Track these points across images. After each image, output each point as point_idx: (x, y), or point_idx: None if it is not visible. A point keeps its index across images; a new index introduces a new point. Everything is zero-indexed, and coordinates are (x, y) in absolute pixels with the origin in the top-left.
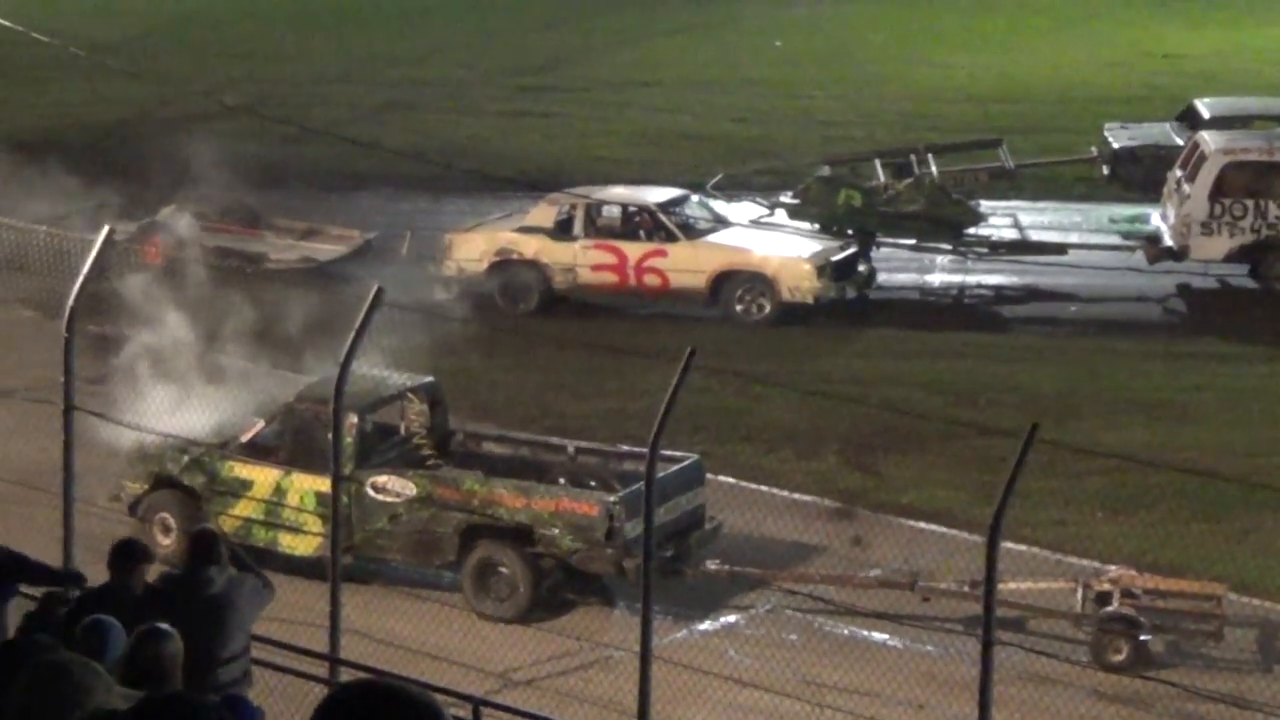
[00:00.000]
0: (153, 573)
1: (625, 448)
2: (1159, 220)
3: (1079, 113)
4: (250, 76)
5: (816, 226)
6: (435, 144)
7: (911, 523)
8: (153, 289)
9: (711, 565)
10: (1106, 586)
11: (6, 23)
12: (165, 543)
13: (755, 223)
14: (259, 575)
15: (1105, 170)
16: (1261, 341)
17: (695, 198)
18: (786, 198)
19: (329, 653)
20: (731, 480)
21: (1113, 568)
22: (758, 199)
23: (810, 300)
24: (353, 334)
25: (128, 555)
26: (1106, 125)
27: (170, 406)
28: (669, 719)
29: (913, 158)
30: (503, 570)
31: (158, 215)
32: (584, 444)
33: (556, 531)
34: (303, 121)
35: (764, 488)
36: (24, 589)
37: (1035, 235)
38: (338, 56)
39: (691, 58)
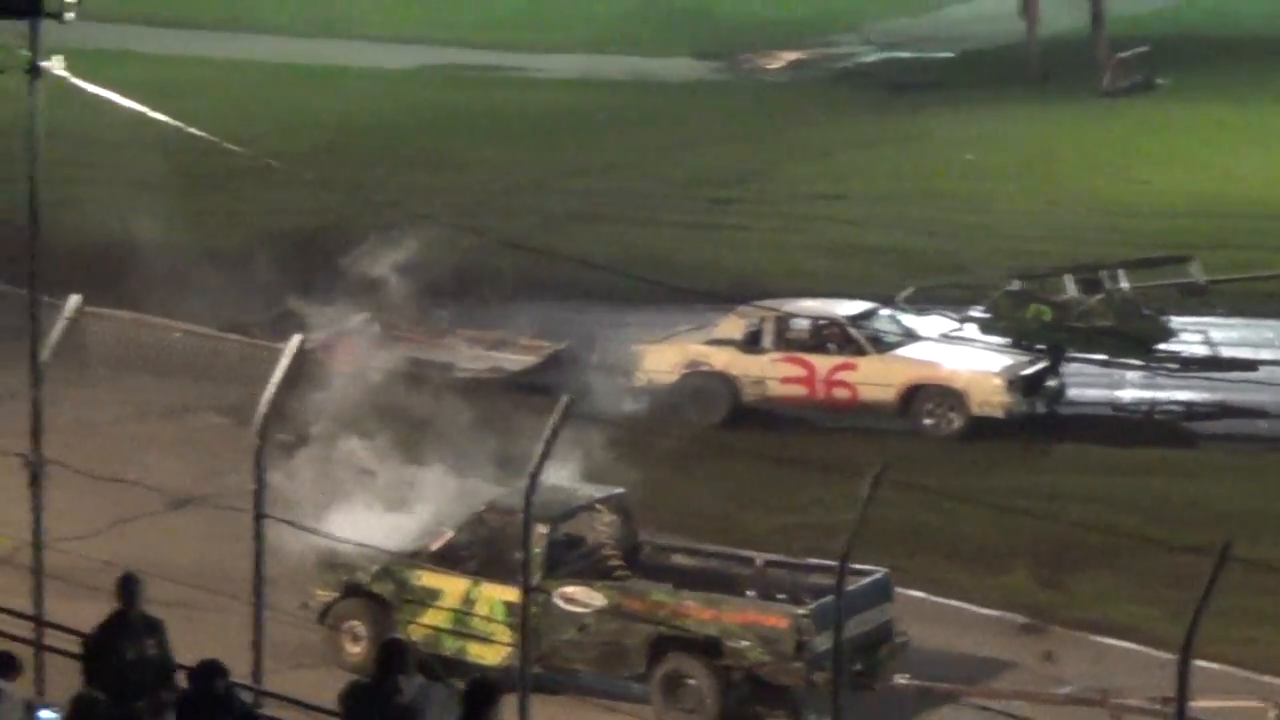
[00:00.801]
0: (340, 680)
1: (814, 561)
2: None
3: (1271, 228)
4: (438, 187)
5: (1007, 341)
6: (624, 255)
7: (1102, 639)
8: (342, 398)
9: (901, 680)
10: None
11: (200, 132)
12: (354, 651)
13: (945, 336)
14: (448, 685)
15: None
16: None
17: (885, 311)
18: (976, 312)
19: None
20: (920, 595)
21: None
22: (947, 313)
23: (1000, 414)
24: (542, 444)
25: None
26: None
27: (360, 515)
28: None
29: (1103, 273)
30: (691, 682)
31: (348, 324)
32: (773, 556)
33: (745, 644)
34: (492, 231)
35: (953, 602)
36: None
37: (1226, 351)
38: (525, 167)
39: (881, 170)
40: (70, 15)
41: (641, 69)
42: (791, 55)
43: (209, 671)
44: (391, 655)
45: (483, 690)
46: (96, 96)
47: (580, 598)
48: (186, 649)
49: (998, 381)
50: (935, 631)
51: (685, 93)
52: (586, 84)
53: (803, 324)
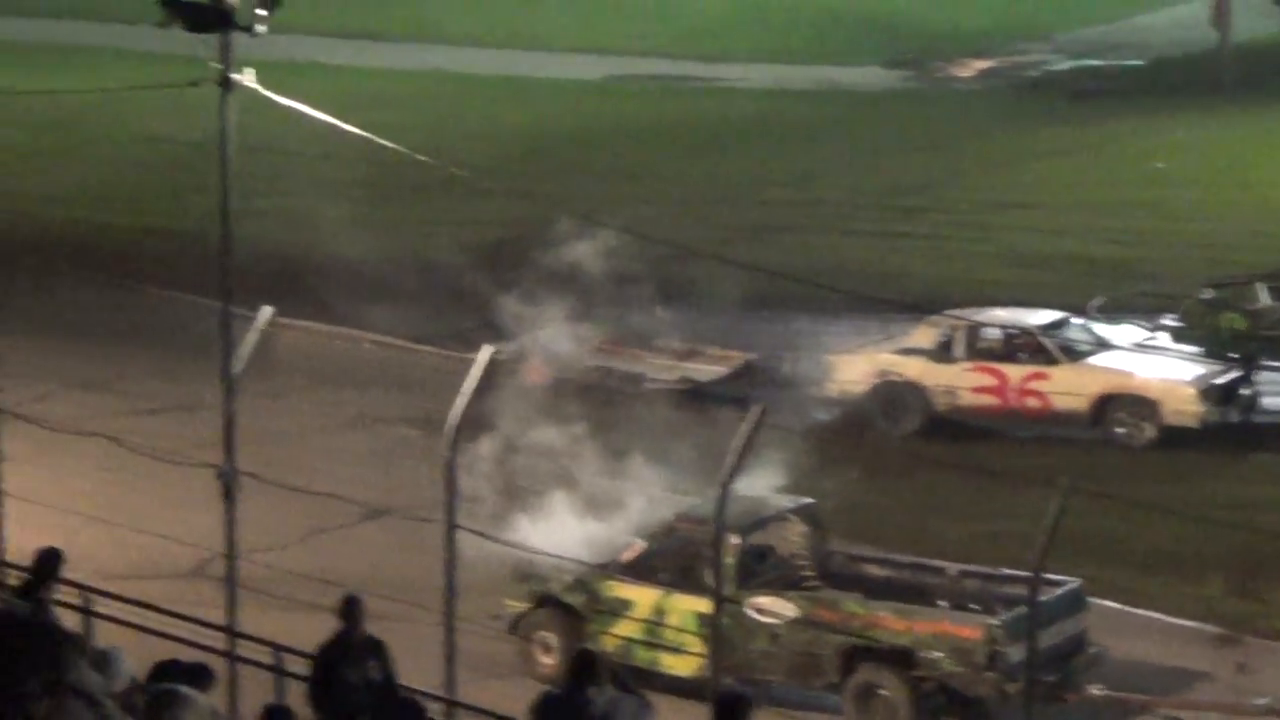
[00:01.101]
0: (532, 691)
1: (1007, 571)
2: None
3: None
4: (628, 198)
5: (1199, 349)
6: (814, 265)
7: None
8: (533, 409)
9: (1095, 691)
10: None
11: (390, 144)
12: (546, 662)
13: (1137, 345)
14: (639, 696)
15: None
16: None
17: (1076, 320)
18: (1168, 320)
19: None
20: (1114, 605)
21: None
22: (1139, 321)
23: (1194, 424)
24: (734, 454)
25: (588, 665)
26: None
27: (551, 525)
28: None
29: None
30: (883, 693)
31: (538, 335)
32: (965, 567)
33: (938, 655)
34: (682, 242)
35: (1146, 613)
36: None
37: None
38: (715, 177)
39: (1071, 179)
40: (262, 29)
41: (831, 78)
42: (981, 64)
43: (407, 714)
44: (583, 666)
45: (735, 702)
46: (287, 108)
47: (772, 608)
48: None
49: (1191, 391)
50: (1129, 642)
51: (875, 102)
52: (776, 94)
53: (994, 333)
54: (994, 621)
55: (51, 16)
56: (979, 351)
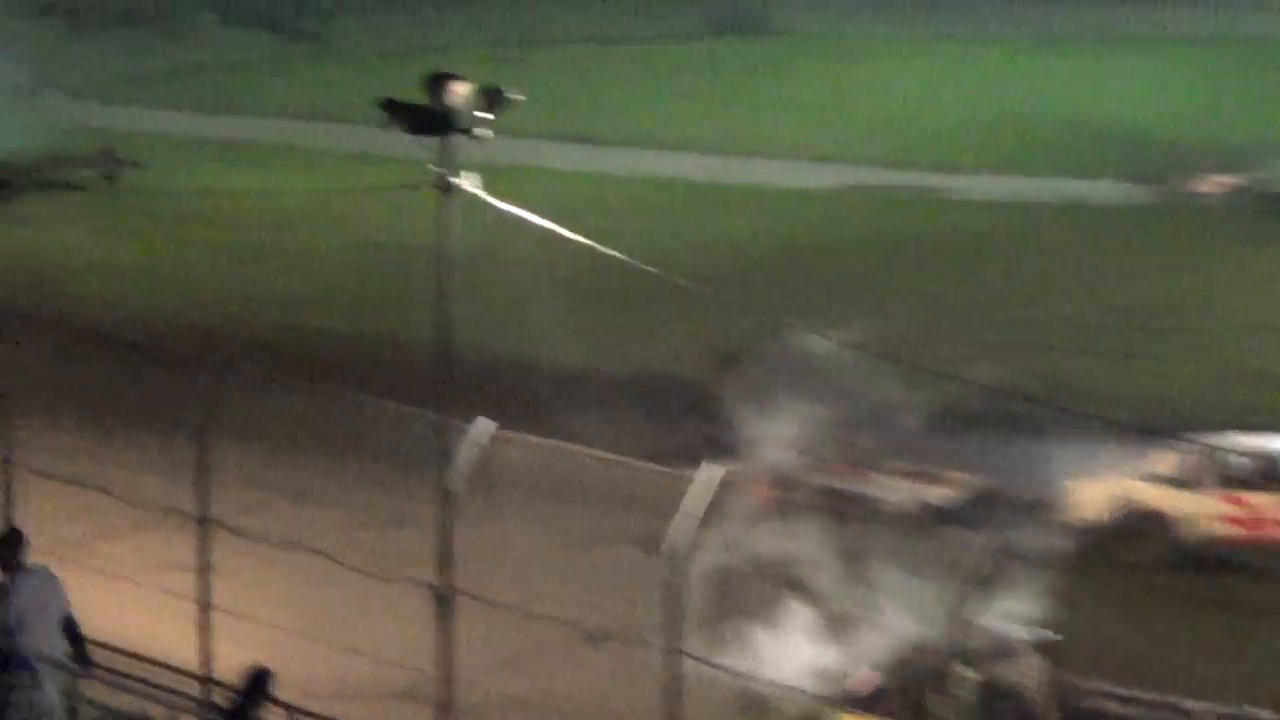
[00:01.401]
0: None
1: (1261, 713)
2: None
3: None
4: (859, 311)
5: None
6: (1053, 385)
7: None
8: (763, 530)
9: None
10: None
11: (613, 252)
12: None
13: None
14: None
15: None
16: None
17: None
18: None
19: None
20: None
21: None
22: None
23: None
24: (967, 583)
25: None
26: None
27: (778, 652)
28: None
29: None
30: None
31: (765, 454)
32: (1214, 706)
33: None
34: (916, 360)
35: None
36: None
37: None
38: (949, 292)
39: None
40: (485, 133)
41: (1071, 192)
42: (1227, 179)
43: None
44: None
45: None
46: (505, 213)
47: None
48: None
49: None
50: None
51: (1116, 217)
52: (1013, 206)
53: (1242, 460)
54: None
55: (271, 115)
56: (1225, 479)
